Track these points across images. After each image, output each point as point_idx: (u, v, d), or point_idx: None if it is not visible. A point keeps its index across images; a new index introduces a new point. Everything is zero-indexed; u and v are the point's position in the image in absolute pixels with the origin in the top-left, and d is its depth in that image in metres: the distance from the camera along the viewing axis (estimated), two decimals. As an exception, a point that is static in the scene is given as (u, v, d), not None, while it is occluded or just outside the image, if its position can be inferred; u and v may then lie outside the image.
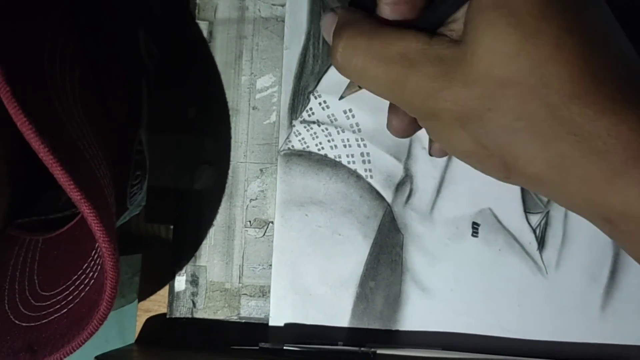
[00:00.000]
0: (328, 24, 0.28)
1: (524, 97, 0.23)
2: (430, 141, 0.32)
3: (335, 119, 0.33)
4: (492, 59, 0.23)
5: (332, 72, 0.33)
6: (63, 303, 0.29)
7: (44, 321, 0.28)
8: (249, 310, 0.34)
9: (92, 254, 0.29)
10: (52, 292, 0.29)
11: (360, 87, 0.31)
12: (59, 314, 0.28)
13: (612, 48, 0.23)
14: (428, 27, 0.25)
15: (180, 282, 0.34)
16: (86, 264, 0.29)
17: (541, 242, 0.32)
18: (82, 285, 0.28)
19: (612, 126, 0.22)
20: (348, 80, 0.32)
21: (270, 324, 0.33)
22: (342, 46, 0.26)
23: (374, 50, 0.26)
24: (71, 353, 0.26)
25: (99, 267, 0.28)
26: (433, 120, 0.26)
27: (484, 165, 0.26)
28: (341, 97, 0.33)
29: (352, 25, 0.27)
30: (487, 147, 0.25)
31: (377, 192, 0.33)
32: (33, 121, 0.23)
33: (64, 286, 0.29)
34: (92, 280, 0.28)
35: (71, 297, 0.29)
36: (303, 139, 0.33)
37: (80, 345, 0.26)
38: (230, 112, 0.34)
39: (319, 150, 0.33)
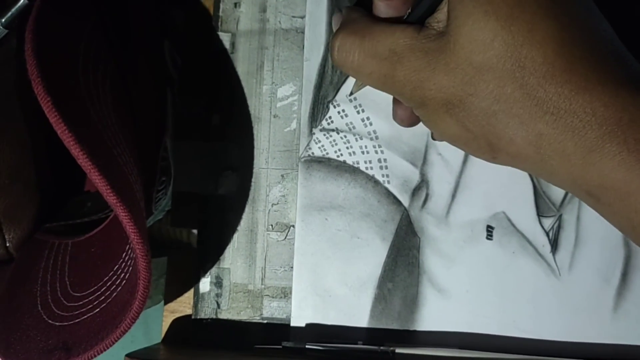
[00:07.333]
0: (336, 23, 0.30)
1: (501, 80, 0.24)
2: None
3: (354, 127, 0.34)
4: (471, 47, 0.24)
5: (351, 83, 0.34)
6: (95, 303, 0.30)
7: (77, 320, 0.29)
8: (271, 310, 0.35)
9: (123, 256, 0.30)
10: (84, 293, 0.31)
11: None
12: (91, 313, 0.29)
13: (588, 30, 0.24)
14: (418, 19, 0.27)
15: (205, 283, 0.35)
16: (117, 266, 0.30)
17: (554, 245, 0.33)
18: (114, 286, 0.30)
19: (587, 104, 0.23)
20: None
21: (292, 324, 0.34)
22: (338, 45, 0.28)
23: (366, 47, 0.27)
24: (105, 350, 0.27)
25: (131, 268, 0.29)
26: (423, 108, 0.27)
27: (471, 148, 0.27)
28: (350, 94, 0.34)
29: (348, 24, 0.28)
30: (471, 130, 0.26)
31: (394, 197, 0.34)
32: (73, 130, 0.24)
33: (96, 287, 0.30)
34: (124, 281, 0.29)
35: (103, 297, 0.30)
36: (323, 146, 0.35)
37: (114, 343, 0.27)
38: (253, 120, 0.35)
39: (338, 156, 0.34)
